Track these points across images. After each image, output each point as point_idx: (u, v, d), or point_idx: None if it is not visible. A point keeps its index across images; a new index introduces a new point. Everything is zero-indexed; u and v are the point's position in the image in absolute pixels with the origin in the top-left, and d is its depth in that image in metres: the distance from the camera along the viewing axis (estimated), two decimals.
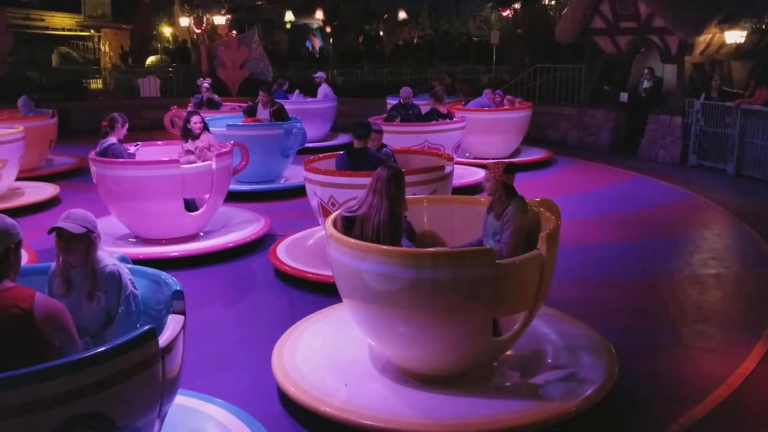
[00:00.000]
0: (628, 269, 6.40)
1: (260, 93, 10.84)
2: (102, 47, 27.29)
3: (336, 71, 21.00)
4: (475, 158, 11.11)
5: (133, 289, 3.21)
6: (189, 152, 7.27)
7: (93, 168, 6.82)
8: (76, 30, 27.77)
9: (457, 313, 3.60)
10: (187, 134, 7.45)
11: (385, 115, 10.46)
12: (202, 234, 7.08)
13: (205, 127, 7.55)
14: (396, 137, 8.92)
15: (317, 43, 29.74)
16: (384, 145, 6.66)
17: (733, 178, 10.41)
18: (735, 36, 11.96)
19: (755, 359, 4.43)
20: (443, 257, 3.64)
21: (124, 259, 3.45)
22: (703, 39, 11.93)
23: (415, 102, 10.78)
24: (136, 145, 7.23)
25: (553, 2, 21.33)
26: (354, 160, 6.20)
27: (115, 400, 2.46)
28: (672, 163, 11.63)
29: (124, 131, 6.95)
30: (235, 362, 4.56)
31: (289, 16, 25.87)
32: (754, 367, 4.32)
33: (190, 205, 6.95)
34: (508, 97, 12.21)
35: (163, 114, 13.05)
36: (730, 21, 11.86)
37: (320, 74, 15.01)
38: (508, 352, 4.11)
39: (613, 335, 4.53)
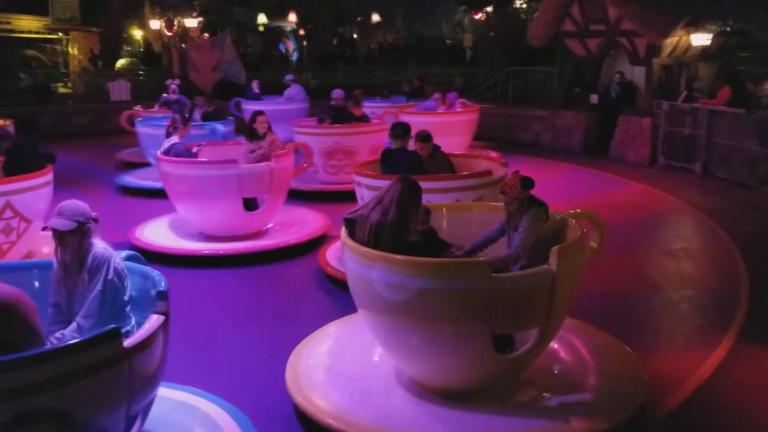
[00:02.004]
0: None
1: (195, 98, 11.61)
2: (71, 50, 26.89)
3: (310, 74, 20.94)
4: None
5: (115, 278, 3.24)
6: (252, 152, 7.17)
7: (159, 167, 7.18)
8: (44, 33, 27.33)
9: (455, 325, 3.44)
10: (252, 135, 7.32)
11: (317, 117, 10.59)
12: (264, 231, 7.20)
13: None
14: (308, 138, 9.25)
15: (291, 45, 29.65)
16: (437, 147, 6.37)
17: (701, 177, 10.59)
18: (701, 38, 12.17)
19: (724, 351, 4.53)
20: (441, 267, 3.43)
21: (135, 257, 3.58)
22: (671, 41, 12.13)
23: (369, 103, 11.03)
24: (199, 145, 7.55)
25: (524, 5, 21.52)
26: (387, 161, 6.19)
27: (73, 397, 2.47)
28: (641, 164, 11.80)
29: (187, 131, 7.40)
30: (252, 363, 4.52)
31: (261, 18, 25.74)
32: (723, 358, 4.42)
33: (253, 204, 7.04)
34: (461, 100, 12.36)
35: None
36: (696, 24, 12.07)
37: (289, 76, 14.99)
38: (534, 368, 3.87)
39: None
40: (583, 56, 13.33)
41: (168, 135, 7.49)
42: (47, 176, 6.22)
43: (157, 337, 2.90)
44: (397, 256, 3.48)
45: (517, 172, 3.99)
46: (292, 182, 7.96)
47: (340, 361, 4.17)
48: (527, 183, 3.91)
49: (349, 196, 8.22)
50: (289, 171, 7.45)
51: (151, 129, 10.36)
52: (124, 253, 3.61)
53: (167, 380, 3.39)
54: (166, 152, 7.14)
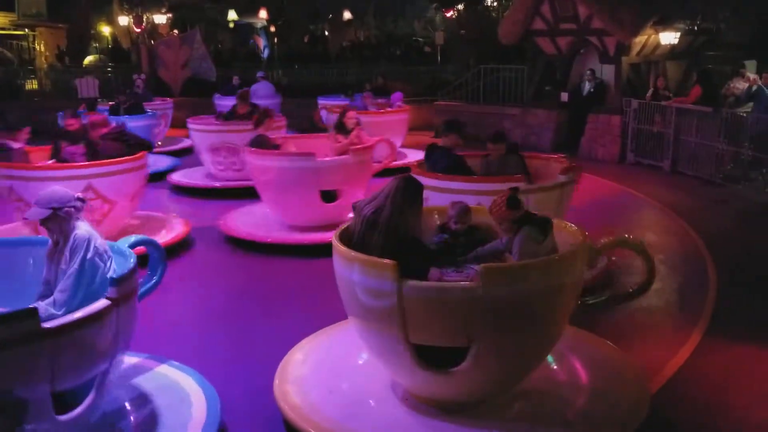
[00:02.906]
0: None
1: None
2: (37, 47, 26.41)
3: (281, 71, 20.81)
4: None
5: (96, 257, 3.36)
6: (339, 145, 7.50)
7: (245, 157, 7.61)
8: (9, 29, 26.79)
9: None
10: (341, 129, 7.76)
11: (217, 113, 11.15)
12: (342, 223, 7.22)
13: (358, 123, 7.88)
14: (196, 135, 10.08)
15: (261, 42, 29.45)
16: (514, 149, 6.21)
17: (670, 174, 10.74)
18: (669, 37, 12.33)
19: (692, 345, 4.59)
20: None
21: (148, 242, 3.94)
22: (639, 40, 12.27)
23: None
24: (282, 137, 8.00)
25: (495, 4, 21.64)
26: (428, 158, 6.04)
27: None
28: (611, 161, 11.93)
29: (273, 124, 7.95)
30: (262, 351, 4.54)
31: (232, 15, 25.53)
32: (691, 352, 4.48)
33: (333, 196, 7.16)
34: (398, 103, 12.62)
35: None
36: (664, 23, 12.23)
37: (260, 73, 14.95)
38: (533, 381, 3.69)
39: None
40: (554, 54, 13.43)
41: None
42: (131, 163, 6.65)
43: (95, 322, 3.03)
44: (373, 258, 3.32)
45: (511, 190, 3.83)
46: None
47: (333, 368, 4.01)
48: (513, 203, 3.71)
49: (236, 193, 8.89)
50: (368, 165, 7.53)
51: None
52: (134, 238, 3.84)
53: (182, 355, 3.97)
54: (250, 143, 7.51)
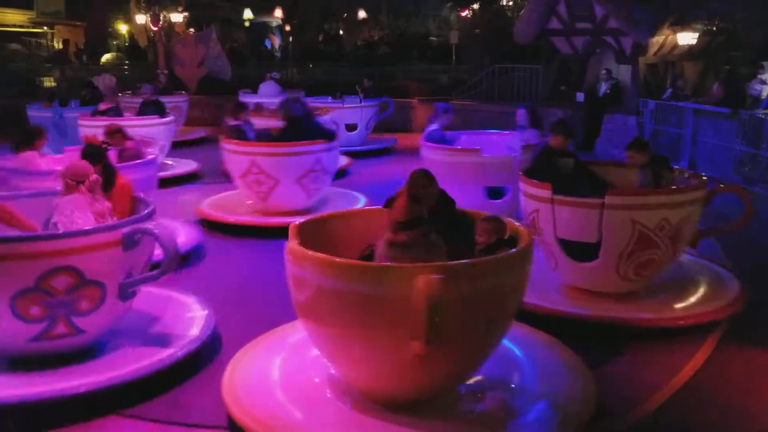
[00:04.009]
0: None
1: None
2: (55, 44, 26.67)
3: (295, 69, 20.88)
4: None
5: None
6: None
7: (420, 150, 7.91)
8: (28, 27, 27.08)
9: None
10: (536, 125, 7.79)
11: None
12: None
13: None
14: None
15: (276, 41, 29.56)
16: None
17: None
18: (687, 38, 12.28)
19: (708, 349, 4.57)
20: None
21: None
22: (656, 40, 12.23)
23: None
24: (463, 133, 8.31)
25: (510, 3, 21.60)
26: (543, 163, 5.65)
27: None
28: None
29: (447, 120, 8.08)
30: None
31: (247, 14, 25.64)
32: (707, 357, 4.46)
33: (498, 193, 7.30)
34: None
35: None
36: (682, 23, 12.18)
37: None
38: (480, 376, 3.72)
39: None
40: (569, 54, 13.40)
41: None
42: (296, 146, 7.24)
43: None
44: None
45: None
46: None
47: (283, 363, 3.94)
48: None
49: None
50: None
51: None
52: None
53: None
54: (425, 138, 7.82)
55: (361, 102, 13.19)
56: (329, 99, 13.60)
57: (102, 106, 10.51)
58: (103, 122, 8.43)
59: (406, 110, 15.52)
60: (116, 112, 10.42)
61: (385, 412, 3.45)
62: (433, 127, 8.00)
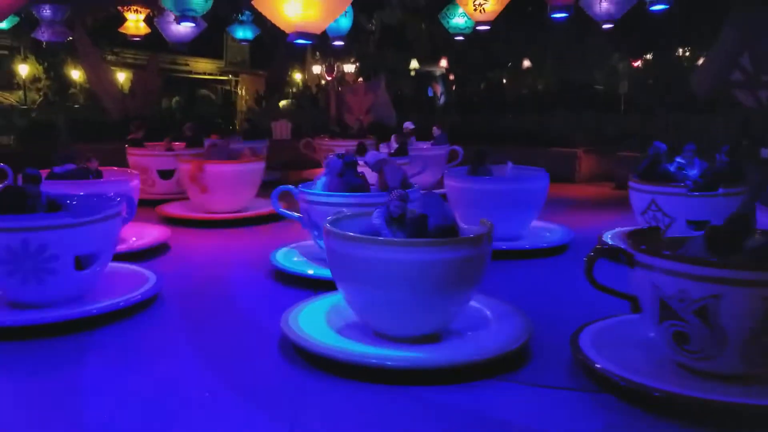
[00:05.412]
0: None
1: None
2: (239, 91, 29.15)
3: (458, 117, 21.24)
4: None
5: None
6: None
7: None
8: (216, 75, 29.85)
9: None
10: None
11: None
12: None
13: None
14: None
15: (439, 89, 30.28)
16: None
17: None
18: None
19: None
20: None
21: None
22: None
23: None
24: None
25: (687, 54, 20.75)
26: None
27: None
28: None
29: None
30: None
31: (414, 64, 26.57)
32: None
33: None
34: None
35: (295, 155, 13.89)
36: None
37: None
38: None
39: None
40: (753, 107, 12.64)
41: None
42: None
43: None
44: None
45: None
46: None
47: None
48: None
49: None
50: None
51: None
52: None
53: None
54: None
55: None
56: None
57: None
58: None
59: (571, 160, 15.27)
60: None
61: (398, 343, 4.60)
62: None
